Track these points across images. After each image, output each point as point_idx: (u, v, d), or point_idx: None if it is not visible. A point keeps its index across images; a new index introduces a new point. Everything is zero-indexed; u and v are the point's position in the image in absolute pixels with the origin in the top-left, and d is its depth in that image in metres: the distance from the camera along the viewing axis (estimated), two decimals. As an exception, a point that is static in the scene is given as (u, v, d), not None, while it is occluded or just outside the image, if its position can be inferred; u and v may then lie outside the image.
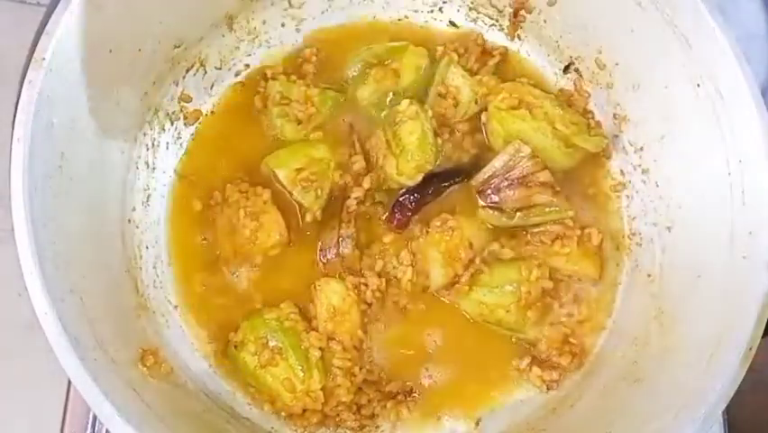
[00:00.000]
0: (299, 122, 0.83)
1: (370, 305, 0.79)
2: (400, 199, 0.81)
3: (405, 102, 0.81)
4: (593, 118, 0.85)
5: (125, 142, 0.78)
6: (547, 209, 0.81)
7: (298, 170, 0.80)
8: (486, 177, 0.81)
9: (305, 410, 0.76)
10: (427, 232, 0.80)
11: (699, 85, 0.71)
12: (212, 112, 0.86)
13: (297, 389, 0.75)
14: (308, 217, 0.81)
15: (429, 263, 0.80)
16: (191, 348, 0.79)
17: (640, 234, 0.82)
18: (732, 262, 0.68)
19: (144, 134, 0.81)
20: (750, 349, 0.64)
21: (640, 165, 0.82)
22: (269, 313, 0.77)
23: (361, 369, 0.78)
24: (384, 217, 0.81)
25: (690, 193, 0.75)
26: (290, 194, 0.81)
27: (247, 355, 0.76)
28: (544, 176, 0.80)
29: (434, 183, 0.82)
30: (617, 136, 0.84)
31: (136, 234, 0.80)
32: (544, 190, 0.80)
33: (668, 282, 0.77)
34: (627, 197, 0.84)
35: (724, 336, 0.66)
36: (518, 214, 0.81)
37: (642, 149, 0.82)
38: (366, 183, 0.81)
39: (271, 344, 0.75)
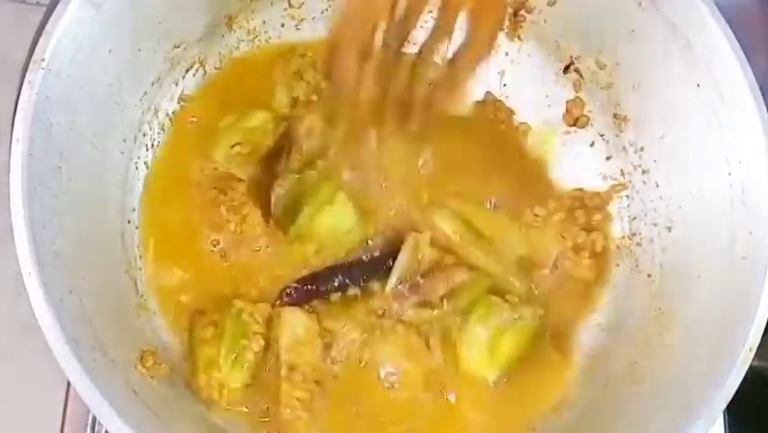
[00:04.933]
0: (294, 103, 0.82)
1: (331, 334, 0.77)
2: (287, 291, 0.77)
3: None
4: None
5: (125, 143, 0.78)
6: (472, 286, 0.77)
7: (233, 146, 0.80)
8: (396, 280, 0.77)
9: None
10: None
11: (699, 85, 0.71)
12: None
13: (212, 375, 0.74)
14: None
15: (393, 361, 0.77)
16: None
17: (640, 234, 0.82)
18: (732, 262, 0.68)
19: (144, 134, 0.81)
20: (750, 349, 0.64)
21: (640, 165, 0.82)
22: (240, 303, 0.76)
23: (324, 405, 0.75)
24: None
25: (690, 193, 0.75)
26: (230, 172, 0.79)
27: (197, 326, 0.76)
28: (450, 258, 0.78)
29: (332, 278, 0.77)
30: (617, 136, 0.84)
31: (136, 235, 0.79)
32: (459, 268, 0.77)
33: (668, 282, 0.77)
34: (627, 197, 0.84)
35: (724, 336, 0.66)
36: (446, 302, 0.77)
37: (642, 149, 0.81)
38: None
39: (219, 326, 0.75)
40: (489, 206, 0.82)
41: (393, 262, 0.78)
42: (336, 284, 0.77)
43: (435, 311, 0.77)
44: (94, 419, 0.79)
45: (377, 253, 0.79)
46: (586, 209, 0.82)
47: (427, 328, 0.77)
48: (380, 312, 0.77)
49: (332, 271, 0.78)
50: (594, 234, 0.81)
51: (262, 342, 0.75)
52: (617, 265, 0.82)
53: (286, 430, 0.75)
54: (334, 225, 0.78)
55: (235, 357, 0.74)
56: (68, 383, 0.78)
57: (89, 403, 0.61)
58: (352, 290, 0.78)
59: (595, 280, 0.81)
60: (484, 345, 0.76)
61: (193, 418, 0.73)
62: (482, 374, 0.77)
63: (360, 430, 0.76)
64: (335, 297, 0.78)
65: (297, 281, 0.78)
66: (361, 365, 0.77)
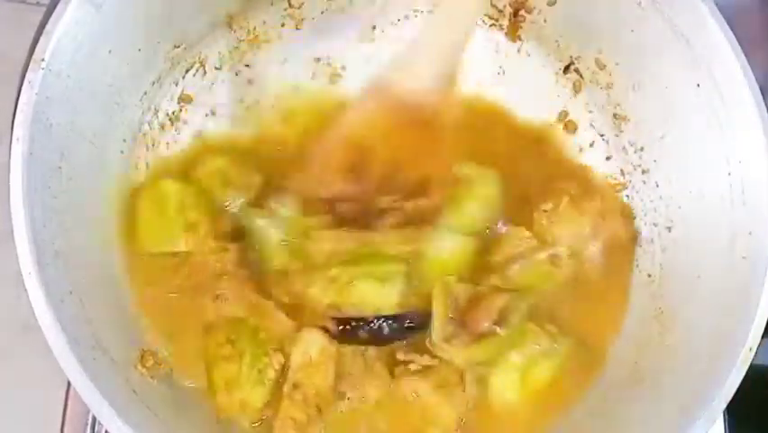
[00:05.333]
0: None
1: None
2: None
3: None
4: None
5: (125, 143, 0.78)
6: (517, 304, 0.75)
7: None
8: (438, 326, 0.73)
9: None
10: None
11: (698, 85, 0.71)
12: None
13: (234, 394, 0.72)
14: None
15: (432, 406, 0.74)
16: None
17: (640, 234, 0.82)
18: (732, 262, 0.68)
19: (144, 134, 0.80)
20: (750, 349, 0.64)
21: (640, 165, 0.82)
22: (254, 320, 0.74)
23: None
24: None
25: (690, 193, 0.75)
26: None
27: (212, 342, 0.74)
28: (484, 288, 0.75)
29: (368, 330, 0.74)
30: (617, 136, 0.84)
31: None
32: (497, 294, 0.75)
33: (668, 283, 0.77)
34: (627, 197, 0.84)
35: (724, 336, 0.66)
36: (497, 328, 0.73)
37: (642, 149, 0.82)
38: None
39: (237, 344, 0.73)
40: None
41: (411, 321, 0.74)
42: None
43: (493, 339, 0.73)
44: (94, 419, 0.79)
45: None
46: (584, 190, 0.81)
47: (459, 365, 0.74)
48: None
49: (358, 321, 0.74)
50: (608, 217, 0.80)
51: (282, 359, 0.73)
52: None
53: None
54: (372, 298, 0.74)
55: (257, 376, 0.72)
56: (68, 383, 0.78)
57: (89, 403, 0.61)
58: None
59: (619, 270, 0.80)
60: (517, 373, 0.74)
61: (193, 417, 0.73)
62: (509, 399, 0.75)
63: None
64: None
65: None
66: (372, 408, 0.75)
